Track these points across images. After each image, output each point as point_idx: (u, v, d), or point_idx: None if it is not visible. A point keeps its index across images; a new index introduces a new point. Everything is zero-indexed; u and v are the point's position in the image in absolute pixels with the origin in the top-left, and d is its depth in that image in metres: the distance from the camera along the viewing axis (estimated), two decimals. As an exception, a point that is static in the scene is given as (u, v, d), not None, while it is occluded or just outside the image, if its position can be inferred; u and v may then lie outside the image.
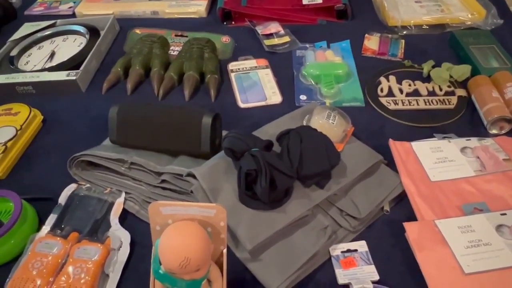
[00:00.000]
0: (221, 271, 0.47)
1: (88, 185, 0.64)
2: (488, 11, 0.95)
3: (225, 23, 1.02)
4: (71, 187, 0.64)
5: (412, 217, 0.58)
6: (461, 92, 0.78)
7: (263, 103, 0.80)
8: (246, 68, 0.88)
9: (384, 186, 0.61)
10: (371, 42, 0.93)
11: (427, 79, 0.82)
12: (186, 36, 0.98)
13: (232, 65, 0.88)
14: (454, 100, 0.77)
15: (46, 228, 0.59)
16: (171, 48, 0.94)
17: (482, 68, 0.80)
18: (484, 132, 0.71)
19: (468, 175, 0.63)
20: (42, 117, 0.78)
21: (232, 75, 0.86)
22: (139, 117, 0.66)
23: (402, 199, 0.61)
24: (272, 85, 0.83)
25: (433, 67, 0.83)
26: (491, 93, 0.73)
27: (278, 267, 0.51)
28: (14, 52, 0.94)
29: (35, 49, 0.97)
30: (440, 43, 0.91)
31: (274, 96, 0.81)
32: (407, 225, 0.56)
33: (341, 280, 0.52)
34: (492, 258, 0.52)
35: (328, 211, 0.58)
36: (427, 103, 0.77)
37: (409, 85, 0.80)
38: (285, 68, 0.87)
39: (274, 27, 0.96)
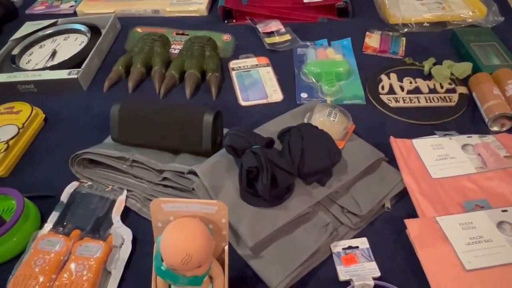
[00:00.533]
0: (223, 268, 0.47)
1: (90, 183, 0.65)
2: (489, 9, 0.94)
3: (226, 21, 1.02)
4: (73, 185, 0.64)
5: (413, 214, 0.59)
6: (462, 89, 0.78)
7: (264, 101, 0.80)
8: (247, 66, 0.88)
9: (385, 183, 0.61)
10: (372, 40, 0.93)
11: (428, 76, 0.82)
12: (187, 35, 0.98)
13: (233, 63, 0.88)
14: (455, 97, 0.77)
15: (48, 225, 0.59)
16: (172, 47, 0.94)
17: (483, 66, 0.80)
18: (485, 129, 0.71)
19: (469, 172, 0.63)
20: (43, 115, 0.79)
21: (233, 73, 0.86)
22: (141, 115, 0.66)
23: (403, 196, 0.61)
24: (273, 83, 0.83)
25: (434, 64, 0.82)
26: (492, 90, 0.73)
27: (280, 264, 0.52)
28: (15, 51, 0.94)
29: (37, 48, 0.97)
30: (441, 41, 0.91)
31: (275, 94, 0.81)
32: (408, 222, 0.56)
33: (342, 277, 0.52)
34: (493, 254, 0.52)
35: (329, 208, 0.58)
36: (428, 101, 0.77)
37: (410, 82, 0.80)
38: (286, 66, 0.87)
39: (275, 25, 0.96)
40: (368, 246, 0.56)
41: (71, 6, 1.11)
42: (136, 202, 0.62)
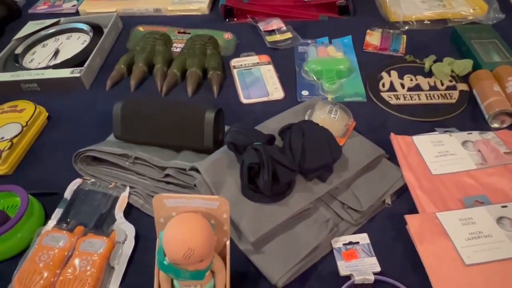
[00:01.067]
0: (224, 263, 0.48)
1: (93, 180, 0.65)
2: (490, 6, 0.95)
3: (227, 20, 1.03)
4: (77, 182, 0.65)
5: (414, 210, 0.59)
6: (462, 86, 0.78)
7: (265, 99, 0.80)
8: (248, 64, 0.88)
9: (386, 180, 0.62)
10: (373, 38, 0.93)
11: (429, 74, 0.82)
12: (189, 33, 0.98)
13: (234, 62, 0.89)
14: (455, 94, 0.77)
15: (52, 222, 0.60)
16: (174, 45, 0.95)
17: (483, 63, 0.80)
18: (486, 126, 0.71)
19: (469, 169, 0.63)
20: (47, 113, 0.79)
21: (235, 71, 0.87)
22: (143, 113, 0.67)
23: (403, 192, 0.62)
24: (274, 81, 0.84)
25: (435, 62, 0.83)
26: (493, 87, 0.73)
27: (281, 259, 0.52)
28: (18, 50, 0.95)
29: (40, 47, 0.98)
30: (441, 38, 0.91)
31: (276, 92, 0.81)
32: (408, 218, 0.57)
33: (342, 272, 0.53)
34: (492, 249, 0.52)
35: (330, 204, 0.59)
36: (429, 98, 0.77)
37: (411, 80, 0.81)
38: (287, 64, 0.88)
39: (276, 23, 0.97)
40: (368, 241, 0.56)
41: (73, 6, 1.12)
42: (139, 199, 0.63)
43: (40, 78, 0.84)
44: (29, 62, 0.93)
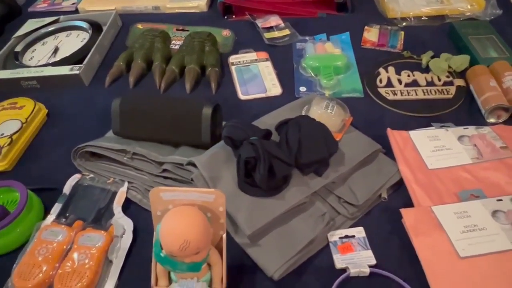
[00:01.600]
0: (221, 256, 0.49)
1: (91, 175, 0.66)
2: (487, 2, 0.95)
3: (225, 17, 1.03)
4: (75, 177, 0.66)
5: (409, 204, 0.59)
6: (459, 82, 0.79)
7: (263, 95, 0.81)
8: (246, 61, 0.89)
9: (382, 174, 0.62)
10: (371, 34, 0.93)
11: (426, 69, 0.82)
12: (187, 30, 0.99)
13: (232, 58, 0.89)
14: (452, 90, 0.78)
15: (51, 216, 0.60)
16: (172, 42, 0.95)
17: (480, 58, 0.80)
18: (482, 121, 0.72)
19: (465, 163, 0.63)
20: (46, 110, 0.80)
21: (233, 68, 0.87)
22: (141, 109, 0.67)
23: (399, 186, 0.62)
24: (272, 77, 0.84)
25: (432, 57, 0.83)
26: (489, 82, 0.73)
27: (277, 252, 0.53)
28: (18, 48, 0.95)
29: (39, 44, 0.98)
30: (439, 34, 0.92)
31: (274, 88, 0.82)
32: (404, 211, 0.57)
33: (338, 265, 0.53)
34: (487, 242, 0.53)
35: (326, 198, 0.59)
36: (426, 93, 0.78)
37: (408, 75, 0.81)
38: (285, 61, 0.88)
39: (274, 20, 0.97)
40: (364, 235, 0.57)
41: (73, 4, 1.13)
42: (137, 194, 0.63)
43: (39, 75, 0.85)
44: (29, 60, 0.94)
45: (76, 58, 0.89)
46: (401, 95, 0.78)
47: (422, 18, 0.96)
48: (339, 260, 0.54)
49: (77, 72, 0.84)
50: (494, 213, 0.56)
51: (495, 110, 0.71)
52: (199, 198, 0.46)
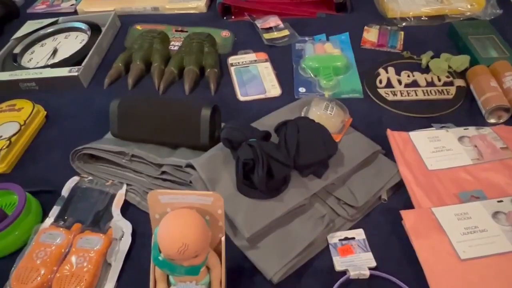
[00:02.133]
0: (220, 259, 0.48)
1: (90, 177, 0.66)
2: (487, 2, 0.95)
3: (224, 17, 1.03)
4: (74, 180, 0.65)
5: (410, 206, 0.59)
6: (459, 82, 0.78)
7: (262, 96, 0.80)
8: (245, 61, 0.88)
9: (382, 175, 0.62)
10: (370, 34, 0.93)
11: (426, 70, 0.82)
12: (186, 31, 0.99)
13: (231, 59, 0.89)
14: (452, 90, 0.77)
15: (49, 219, 0.60)
16: (171, 43, 0.95)
17: (480, 58, 0.80)
18: (483, 121, 0.71)
19: (465, 164, 0.63)
20: (45, 112, 0.80)
21: (232, 69, 0.87)
22: (140, 111, 0.67)
23: (399, 188, 0.62)
24: (271, 78, 0.84)
25: (432, 58, 0.83)
26: (489, 82, 0.73)
27: (276, 254, 0.52)
28: (17, 50, 0.95)
29: (38, 46, 0.98)
30: (439, 34, 0.91)
31: (273, 89, 0.81)
32: (404, 213, 0.57)
33: (338, 267, 0.53)
34: (488, 244, 0.52)
35: (325, 200, 0.59)
36: (426, 94, 0.77)
37: (408, 76, 0.81)
38: (284, 61, 0.88)
39: (273, 20, 0.97)
40: (364, 237, 0.56)
41: (71, 5, 1.12)
42: (136, 196, 0.63)
43: (38, 77, 0.85)
44: (28, 62, 0.94)
45: (75, 59, 0.89)
46: (401, 95, 0.77)
47: (422, 18, 0.95)
48: (339, 263, 0.53)
49: (76, 73, 0.84)
50: (495, 214, 0.55)
51: (495, 111, 0.70)
52: (197, 201, 0.46)
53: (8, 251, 0.58)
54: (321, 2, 1.01)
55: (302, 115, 0.68)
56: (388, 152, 0.66)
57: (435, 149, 0.65)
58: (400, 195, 0.61)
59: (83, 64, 0.86)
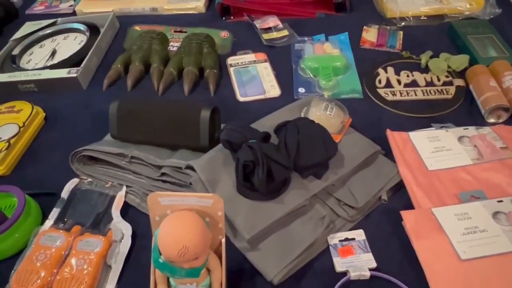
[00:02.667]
0: (220, 261, 0.48)
1: (89, 179, 0.65)
2: (486, 1, 0.95)
3: (223, 18, 1.03)
4: (73, 182, 0.65)
5: (410, 206, 0.59)
6: (459, 82, 0.78)
7: (262, 97, 0.80)
8: (245, 62, 0.88)
9: (382, 176, 0.62)
10: (370, 34, 0.93)
11: (425, 69, 0.82)
12: (185, 32, 0.98)
13: (231, 60, 0.89)
14: (452, 90, 0.77)
15: (49, 221, 0.60)
16: (170, 44, 0.95)
17: (480, 58, 0.80)
18: (482, 121, 0.71)
19: (465, 164, 0.63)
20: (44, 114, 0.80)
21: (231, 70, 0.87)
22: (139, 112, 0.67)
23: (399, 188, 0.62)
24: (270, 78, 0.84)
25: (431, 57, 0.83)
26: (489, 82, 0.73)
27: (276, 256, 0.52)
28: (16, 51, 0.95)
29: (37, 47, 0.98)
30: (438, 34, 0.91)
31: (272, 90, 0.81)
32: (404, 214, 0.57)
33: (339, 268, 0.53)
34: (488, 244, 0.52)
35: (326, 201, 0.59)
36: (425, 94, 0.77)
37: (407, 76, 0.81)
38: (283, 62, 0.88)
39: (272, 21, 0.97)
40: (364, 237, 0.56)
41: (70, 6, 1.12)
42: (135, 198, 0.63)
43: (37, 78, 0.85)
44: (26, 63, 0.93)
45: (73, 60, 0.89)
46: (401, 95, 0.77)
47: (421, 18, 0.95)
48: (339, 264, 0.53)
49: (75, 75, 0.84)
50: (495, 214, 0.55)
51: (495, 110, 0.70)
52: (197, 203, 0.46)
53: (8, 254, 0.58)
54: (320, 2, 1.01)
55: (302, 115, 0.68)
56: (388, 153, 0.66)
57: (435, 149, 0.65)
58: (400, 196, 0.61)
59: (82, 65, 0.86)
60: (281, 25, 0.96)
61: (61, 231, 0.57)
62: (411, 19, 0.95)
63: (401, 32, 0.92)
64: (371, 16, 0.98)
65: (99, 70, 0.91)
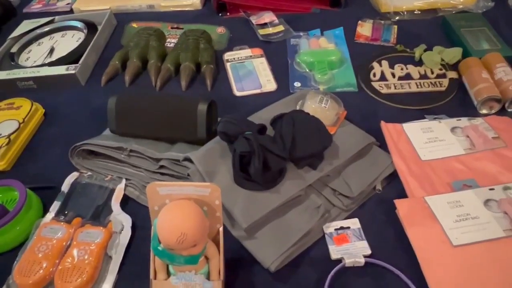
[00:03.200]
0: (218, 249, 0.49)
1: (89, 173, 0.66)
2: (479, -5, 0.96)
3: (220, 14, 1.04)
4: (73, 176, 0.66)
5: (403, 195, 0.60)
6: (452, 74, 0.80)
7: (258, 91, 0.81)
8: (241, 57, 0.89)
9: (376, 166, 0.63)
10: (364, 29, 0.94)
11: (419, 63, 0.83)
12: (182, 28, 0.99)
13: (227, 55, 0.90)
14: (445, 82, 0.79)
15: (50, 214, 0.61)
16: (167, 40, 0.96)
17: (473, 51, 0.81)
18: (475, 112, 0.73)
19: (458, 154, 0.64)
20: (43, 110, 0.81)
21: (228, 65, 0.88)
22: (137, 107, 0.68)
23: (393, 178, 0.63)
24: (267, 73, 0.85)
25: (425, 51, 0.84)
26: (481, 74, 0.74)
27: (273, 244, 0.53)
28: (14, 49, 0.96)
29: (35, 45, 0.99)
30: (432, 28, 0.92)
31: (269, 84, 0.83)
32: (397, 202, 0.58)
33: (334, 256, 0.54)
34: (479, 230, 0.54)
35: (321, 191, 0.60)
36: (419, 86, 0.78)
37: (401, 69, 0.82)
38: (279, 57, 0.89)
39: (268, 16, 0.98)
40: (359, 226, 0.57)
41: (67, 4, 1.13)
42: (135, 190, 0.64)
43: (36, 75, 0.85)
44: (25, 61, 0.94)
45: (72, 58, 0.90)
46: (395, 88, 0.79)
47: (415, 12, 0.96)
48: (335, 251, 0.54)
49: (73, 71, 0.85)
50: (486, 202, 0.57)
51: (487, 101, 0.72)
52: (195, 192, 0.47)
53: (10, 246, 0.59)
54: (316, -2, 1.02)
55: (298, 108, 0.70)
56: (382, 144, 0.67)
57: (428, 140, 0.66)
58: (394, 185, 0.62)
59: (80, 62, 0.87)
60: (276, 21, 0.97)
61: (62, 223, 0.58)
62: (405, 13, 0.96)
63: (396, 26, 0.94)
64: (365, 11, 0.99)
65: (97, 66, 0.92)
